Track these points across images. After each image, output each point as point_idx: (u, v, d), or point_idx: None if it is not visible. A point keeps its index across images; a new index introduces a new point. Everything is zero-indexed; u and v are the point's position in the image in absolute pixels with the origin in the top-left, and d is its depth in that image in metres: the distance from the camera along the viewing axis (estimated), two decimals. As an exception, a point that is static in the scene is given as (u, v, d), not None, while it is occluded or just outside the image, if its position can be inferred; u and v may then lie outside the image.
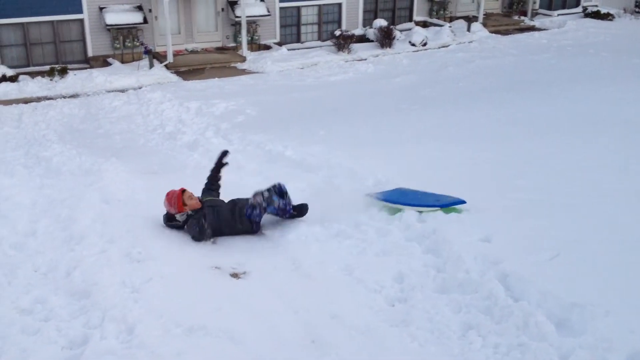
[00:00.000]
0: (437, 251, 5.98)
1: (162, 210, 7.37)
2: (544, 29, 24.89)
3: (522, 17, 26.42)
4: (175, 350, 4.66)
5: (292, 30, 22.41)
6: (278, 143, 10.73)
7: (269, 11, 21.19)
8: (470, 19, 23.87)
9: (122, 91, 17.00)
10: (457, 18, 24.88)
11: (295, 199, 7.63)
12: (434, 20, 24.66)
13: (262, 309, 5.40)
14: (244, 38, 20.21)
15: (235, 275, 6.20)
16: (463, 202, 6.97)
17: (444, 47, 22.12)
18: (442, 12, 24.93)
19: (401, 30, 22.76)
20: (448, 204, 6.93)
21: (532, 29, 25.05)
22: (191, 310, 5.22)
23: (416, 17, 24.61)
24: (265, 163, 9.90)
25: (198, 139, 11.94)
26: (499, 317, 4.83)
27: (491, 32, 23.82)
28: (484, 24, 24.28)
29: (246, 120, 13.45)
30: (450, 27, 23.61)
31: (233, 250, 6.78)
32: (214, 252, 6.79)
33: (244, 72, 19.16)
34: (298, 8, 22.17)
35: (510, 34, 23.97)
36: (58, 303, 5.36)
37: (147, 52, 18.80)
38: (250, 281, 6.03)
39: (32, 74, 17.95)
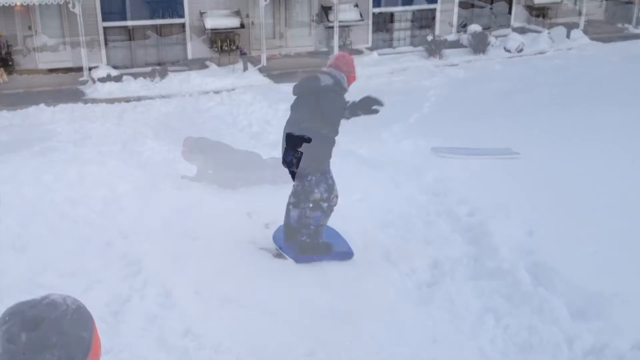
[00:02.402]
0: (477, 242, 6.05)
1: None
2: (650, 37, 23.79)
3: (626, 25, 25.34)
4: (209, 317, 5.00)
5: (384, 35, 22.57)
6: (352, 144, 10.91)
7: (362, 16, 21.43)
8: (570, 26, 23.16)
9: (217, 92, 17.75)
10: (558, 25, 24.16)
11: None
12: (532, 27, 24.09)
13: (299, 286, 5.67)
14: (336, 43, 20.59)
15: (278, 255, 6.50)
16: (517, 153, 8.17)
17: (540, 53, 21.58)
18: (541, 18, 24.32)
19: (497, 37, 22.41)
20: (501, 153, 8.22)
21: (636, 37, 23.98)
22: (225, 282, 5.56)
23: (514, 23, 24.14)
24: (337, 158, 10.17)
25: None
26: (518, 302, 4.90)
27: (592, 39, 22.98)
28: (585, 31, 23.48)
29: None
30: (548, 33, 22.98)
31: (272, 228, 7.07)
32: (251, 227, 7.15)
33: (334, 76, 19.49)
34: (391, 14, 22.32)
35: (613, 41, 23.04)
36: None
37: (242, 55, 19.53)
38: (290, 261, 6.32)
39: (135, 75, 19.07)
